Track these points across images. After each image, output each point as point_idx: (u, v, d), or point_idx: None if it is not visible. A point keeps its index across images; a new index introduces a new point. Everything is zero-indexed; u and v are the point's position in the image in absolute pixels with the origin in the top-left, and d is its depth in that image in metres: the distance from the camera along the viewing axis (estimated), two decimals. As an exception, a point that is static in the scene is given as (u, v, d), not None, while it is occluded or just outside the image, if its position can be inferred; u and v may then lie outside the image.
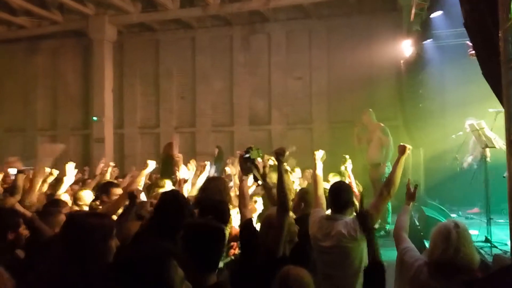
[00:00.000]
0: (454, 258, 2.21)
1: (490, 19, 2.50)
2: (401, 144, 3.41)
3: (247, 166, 3.38)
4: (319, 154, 3.80)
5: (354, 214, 3.25)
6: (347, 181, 6.76)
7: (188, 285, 1.76)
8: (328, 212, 3.39)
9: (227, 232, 3.69)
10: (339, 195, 3.29)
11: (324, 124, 11.53)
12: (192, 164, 5.24)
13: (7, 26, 12.85)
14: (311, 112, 11.71)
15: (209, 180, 4.21)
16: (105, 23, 11.92)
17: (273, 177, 5.33)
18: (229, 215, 3.33)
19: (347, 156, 4.52)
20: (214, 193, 3.66)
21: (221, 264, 3.79)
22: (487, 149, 5.17)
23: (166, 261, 1.59)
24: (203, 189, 3.89)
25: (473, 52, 3.28)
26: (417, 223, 6.10)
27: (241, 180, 3.48)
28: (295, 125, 11.79)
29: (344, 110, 11.05)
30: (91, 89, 12.54)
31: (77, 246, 1.83)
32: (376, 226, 6.79)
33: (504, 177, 3.45)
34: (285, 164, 3.71)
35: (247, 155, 3.36)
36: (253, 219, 3.39)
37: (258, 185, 3.68)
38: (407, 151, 3.38)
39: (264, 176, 3.53)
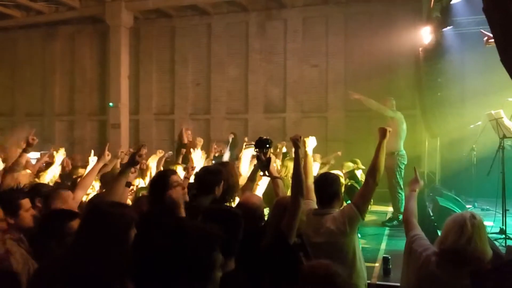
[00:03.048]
0: (465, 248, 2.14)
1: (510, 3, 2.40)
2: (381, 127, 3.22)
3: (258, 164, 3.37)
4: (311, 141, 3.64)
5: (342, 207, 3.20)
6: (358, 172, 6.75)
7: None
8: (315, 206, 3.28)
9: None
10: (325, 187, 3.16)
11: (339, 113, 11.41)
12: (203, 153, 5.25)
13: (26, 12, 13.01)
14: (327, 100, 11.60)
15: (220, 164, 4.20)
16: (121, 9, 11.95)
17: (289, 166, 5.30)
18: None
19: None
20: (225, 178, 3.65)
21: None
22: (505, 140, 5.04)
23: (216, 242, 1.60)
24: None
25: (490, 40, 3.16)
26: (431, 214, 6.02)
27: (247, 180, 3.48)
28: (310, 113, 11.69)
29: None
30: (107, 75, 12.65)
31: (99, 236, 1.82)
32: (389, 216, 6.77)
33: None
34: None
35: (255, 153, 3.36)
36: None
37: (263, 175, 3.63)
38: (387, 134, 3.20)
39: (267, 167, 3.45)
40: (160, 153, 5.73)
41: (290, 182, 2.98)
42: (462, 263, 2.15)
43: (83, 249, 1.77)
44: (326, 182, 3.19)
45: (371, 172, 3.13)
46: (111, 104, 12.25)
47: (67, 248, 1.89)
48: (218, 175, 3.33)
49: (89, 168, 4.33)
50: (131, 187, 3.81)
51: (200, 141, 5.76)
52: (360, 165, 6.69)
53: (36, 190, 3.19)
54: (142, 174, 5.36)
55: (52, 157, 5.29)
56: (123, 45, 12.21)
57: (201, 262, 1.53)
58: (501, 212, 5.06)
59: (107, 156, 4.01)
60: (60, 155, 4.88)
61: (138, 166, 4.22)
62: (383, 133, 3.16)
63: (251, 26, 12.14)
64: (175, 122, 12.60)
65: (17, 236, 2.50)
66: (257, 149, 3.35)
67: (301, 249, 2.98)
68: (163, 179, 3.11)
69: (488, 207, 6.65)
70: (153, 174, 5.26)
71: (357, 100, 7.08)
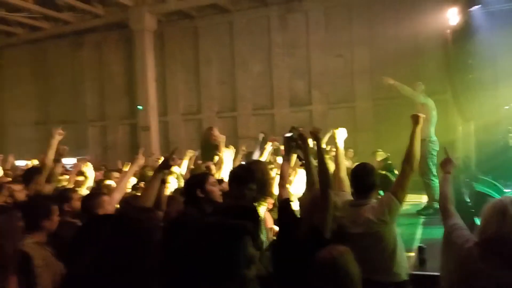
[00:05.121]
0: (509, 235, 2.04)
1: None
2: (414, 114, 3.20)
3: (289, 145, 3.33)
4: (340, 133, 3.62)
5: (379, 196, 3.15)
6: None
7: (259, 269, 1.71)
8: (350, 197, 3.25)
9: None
10: (363, 178, 3.13)
11: (367, 102, 11.22)
12: (231, 149, 5.29)
13: (54, 22, 13.44)
14: (353, 90, 11.42)
15: (251, 162, 4.23)
16: (144, 13, 12.15)
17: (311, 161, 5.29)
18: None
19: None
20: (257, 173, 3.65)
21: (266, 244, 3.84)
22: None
23: (242, 236, 1.55)
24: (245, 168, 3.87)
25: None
26: (468, 200, 5.85)
27: (283, 160, 3.46)
28: (337, 104, 11.55)
29: (388, 86, 10.68)
30: (134, 79, 12.91)
31: (125, 242, 1.85)
32: (424, 204, 6.61)
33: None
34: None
35: (290, 135, 3.30)
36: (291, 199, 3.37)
37: (302, 164, 3.62)
38: (421, 121, 3.15)
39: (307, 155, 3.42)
40: (190, 153, 5.82)
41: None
42: (506, 251, 2.04)
43: (110, 257, 1.80)
44: (364, 172, 3.18)
45: (408, 159, 3.11)
46: (140, 107, 12.50)
47: (96, 255, 1.93)
48: (251, 172, 3.36)
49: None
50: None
51: (222, 139, 5.79)
52: (386, 154, 6.59)
53: (64, 196, 3.32)
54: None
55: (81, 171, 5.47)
56: (148, 48, 12.43)
57: (232, 259, 1.50)
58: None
59: (141, 160, 4.11)
60: (89, 169, 5.04)
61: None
62: (416, 119, 3.15)
63: (272, 20, 12.10)
64: (203, 121, 12.74)
65: (43, 239, 2.61)
66: (291, 142, 3.30)
67: (337, 241, 2.98)
68: (199, 180, 3.17)
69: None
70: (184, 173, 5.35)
71: (389, 86, 6.95)
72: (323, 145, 5.61)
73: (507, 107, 6.81)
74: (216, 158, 5.51)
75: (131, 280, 1.69)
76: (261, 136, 10.27)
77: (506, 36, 7.40)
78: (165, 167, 3.04)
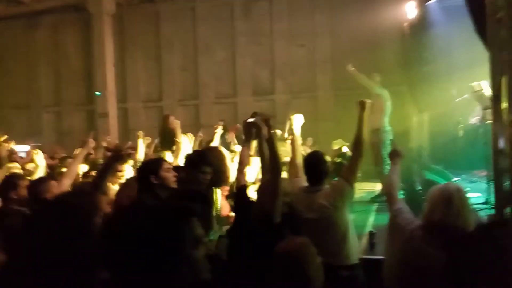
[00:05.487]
0: (454, 221, 2.16)
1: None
2: (360, 100, 3.30)
3: (250, 131, 3.30)
4: (297, 119, 3.66)
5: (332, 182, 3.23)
6: (344, 149, 6.79)
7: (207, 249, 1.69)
8: (305, 183, 3.32)
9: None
10: (314, 166, 3.24)
11: (329, 92, 11.38)
12: (189, 136, 5.23)
13: (6, 2, 12.71)
14: (316, 80, 11.55)
15: (205, 148, 4.20)
16: (103, -4, 11.72)
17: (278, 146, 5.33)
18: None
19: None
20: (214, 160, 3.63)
21: (223, 231, 3.84)
22: (487, 111, 5.05)
23: (186, 216, 1.52)
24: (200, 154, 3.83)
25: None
26: (419, 187, 6.08)
27: (243, 146, 3.45)
28: (300, 94, 11.65)
29: (349, 76, 10.83)
30: (92, 64, 12.48)
31: (66, 224, 1.81)
32: (377, 192, 6.82)
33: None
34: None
35: (252, 120, 3.26)
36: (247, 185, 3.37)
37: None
38: (367, 107, 3.25)
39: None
40: (147, 140, 5.70)
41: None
42: (448, 235, 2.15)
43: (47, 241, 1.75)
44: (315, 160, 3.26)
45: (356, 144, 3.21)
46: (98, 93, 12.12)
47: (34, 240, 1.87)
48: (205, 156, 3.33)
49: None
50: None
51: (178, 123, 5.70)
52: (344, 143, 6.74)
53: (10, 183, 3.19)
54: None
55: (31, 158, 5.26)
56: (106, 32, 12.01)
57: (179, 240, 1.48)
58: (487, 183, 5.12)
59: (91, 144, 3.99)
60: (39, 156, 4.84)
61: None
62: (362, 105, 3.22)
63: (235, 7, 11.98)
64: (164, 109, 12.50)
65: None
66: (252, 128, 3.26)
67: (288, 226, 3.01)
68: (153, 166, 3.11)
69: (475, 178, 6.73)
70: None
71: (350, 74, 7.11)
72: (285, 133, 5.67)
73: (458, 99, 7.08)
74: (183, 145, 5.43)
75: (70, 264, 1.65)
76: (220, 123, 10.23)
77: (460, 31, 7.65)
78: (118, 158, 2.93)
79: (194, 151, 3.65)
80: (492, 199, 4.84)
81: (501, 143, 2.60)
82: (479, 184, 5.82)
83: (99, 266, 1.68)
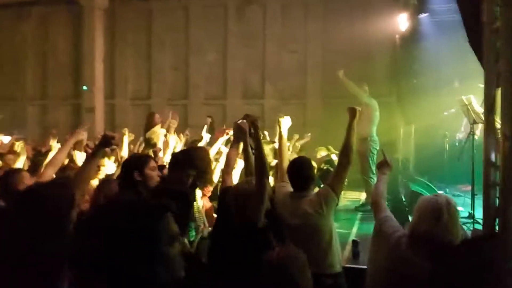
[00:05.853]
0: (442, 233, 2.15)
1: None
2: (350, 106, 3.21)
3: (240, 133, 3.24)
4: (285, 122, 3.58)
5: (317, 188, 3.19)
6: (333, 157, 6.78)
7: (181, 245, 1.64)
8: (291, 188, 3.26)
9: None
10: (299, 172, 3.16)
11: (318, 99, 11.41)
12: (180, 137, 5.17)
13: (-5, -9, 12.48)
14: (306, 86, 11.57)
15: (192, 148, 4.14)
16: (95, -11, 11.59)
17: (265, 148, 5.28)
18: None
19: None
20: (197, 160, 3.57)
21: (205, 234, 3.77)
22: (475, 125, 5.09)
23: (160, 212, 1.45)
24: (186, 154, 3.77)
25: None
26: (404, 199, 6.09)
27: (231, 147, 3.39)
28: (289, 100, 11.64)
29: (339, 85, 10.86)
30: (81, 58, 12.30)
31: (37, 217, 1.73)
32: (362, 201, 6.83)
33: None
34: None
35: (242, 121, 3.21)
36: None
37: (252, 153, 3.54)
38: (357, 114, 3.18)
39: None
40: (131, 137, 5.60)
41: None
42: (435, 246, 2.12)
43: (18, 233, 1.67)
44: (300, 167, 3.17)
45: (344, 152, 3.14)
46: (85, 87, 11.95)
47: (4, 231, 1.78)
48: (190, 157, 3.26)
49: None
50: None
51: (174, 124, 5.63)
52: (333, 150, 6.72)
53: None
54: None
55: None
56: (98, 27, 11.87)
57: (153, 237, 1.42)
58: (470, 197, 5.14)
59: (81, 135, 3.84)
60: (21, 148, 4.72)
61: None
62: (352, 112, 3.16)
63: (229, 9, 11.95)
64: (152, 107, 12.35)
65: None
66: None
67: (271, 230, 2.96)
68: (138, 162, 3.03)
69: (459, 193, 6.77)
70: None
71: (340, 82, 7.11)
72: (275, 137, 5.62)
73: (446, 113, 7.14)
74: (161, 141, 5.36)
75: (38, 258, 1.58)
76: (208, 120, 10.18)
77: (450, 45, 7.76)
78: (105, 144, 2.78)
79: (181, 151, 3.58)
80: (476, 214, 4.88)
81: (493, 156, 2.58)
82: (463, 198, 5.85)
83: (70, 262, 1.60)
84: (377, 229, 2.56)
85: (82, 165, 2.68)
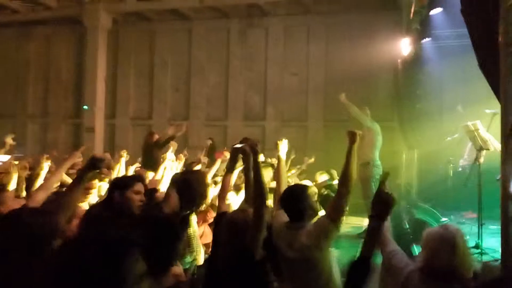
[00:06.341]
0: (457, 268, 2.09)
1: (491, 3, 2.26)
2: (350, 130, 2.95)
3: (236, 157, 3.12)
4: (283, 146, 3.43)
5: (316, 218, 2.99)
6: (335, 182, 6.61)
7: (150, 283, 1.53)
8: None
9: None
10: (291, 204, 2.91)
11: (319, 122, 11.35)
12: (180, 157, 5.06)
13: (1, 10, 12.61)
14: (307, 109, 11.53)
15: (188, 172, 4.01)
16: (99, 11, 11.68)
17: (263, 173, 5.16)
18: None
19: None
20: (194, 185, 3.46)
21: (201, 261, 3.61)
22: (481, 152, 4.95)
23: (124, 249, 1.36)
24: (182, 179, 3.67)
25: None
26: (407, 226, 5.92)
27: (226, 171, 3.26)
28: (290, 122, 11.59)
29: (340, 108, 10.80)
30: (83, 77, 12.32)
31: (19, 243, 1.62)
32: (364, 227, 6.65)
33: (497, 179, 3.23)
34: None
35: (240, 146, 3.09)
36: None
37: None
38: (357, 139, 2.92)
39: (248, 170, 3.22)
40: (122, 154, 5.44)
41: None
42: (449, 279, 2.10)
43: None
44: (293, 198, 2.92)
45: (343, 181, 2.88)
46: (85, 106, 11.91)
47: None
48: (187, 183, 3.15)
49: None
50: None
51: (173, 145, 5.52)
52: (336, 176, 6.56)
53: None
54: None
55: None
56: (101, 47, 11.92)
57: (116, 277, 1.30)
58: (477, 226, 4.97)
59: (78, 158, 3.72)
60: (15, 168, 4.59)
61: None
62: (352, 137, 2.92)
63: (232, 32, 12.03)
64: (153, 128, 12.29)
65: None
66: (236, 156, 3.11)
67: (270, 264, 2.81)
68: (123, 183, 2.91)
69: (464, 220, 6.59)
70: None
71: (341, 106, 7.04)
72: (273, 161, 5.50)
73: (449, 138, 7.03)
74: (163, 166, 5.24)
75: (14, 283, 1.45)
76: (208, 142, 10.08)
77: (453, 70, 7.73)
78: (92, 166, 2.63)
79: (179, 174, 3.47)
80: (483, 244, 4.70)
81: (512, 188, 2.42)
82: (468, 226, 5.67)
83: None
84: (385, 263, 2.45)
85: (67, 189, 2.54)
